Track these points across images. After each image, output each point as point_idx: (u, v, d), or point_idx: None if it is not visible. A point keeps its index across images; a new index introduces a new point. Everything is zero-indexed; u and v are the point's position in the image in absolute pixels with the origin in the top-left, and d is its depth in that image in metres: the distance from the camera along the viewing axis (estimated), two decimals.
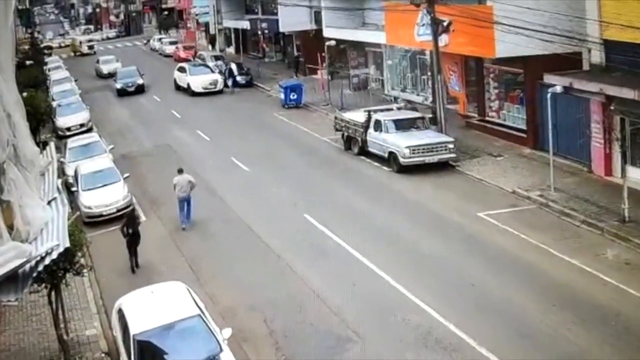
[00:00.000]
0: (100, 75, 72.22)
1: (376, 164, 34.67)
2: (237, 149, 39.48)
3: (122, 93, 60.23)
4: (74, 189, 31.66)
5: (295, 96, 50.03)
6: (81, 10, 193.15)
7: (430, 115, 36.18)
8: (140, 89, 60.60)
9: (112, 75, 67.97)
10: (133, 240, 25.43)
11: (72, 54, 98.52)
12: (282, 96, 50.53)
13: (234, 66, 60.87)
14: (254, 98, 55.34)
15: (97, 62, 76.20)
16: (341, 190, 31.57)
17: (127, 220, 25.92)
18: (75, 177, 32.27)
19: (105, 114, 53.07)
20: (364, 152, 35.97)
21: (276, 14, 63.01)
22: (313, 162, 36.44)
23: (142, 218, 29.33)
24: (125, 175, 32.46)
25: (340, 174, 34.05)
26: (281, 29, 63.28)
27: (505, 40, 31.35)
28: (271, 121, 46.76)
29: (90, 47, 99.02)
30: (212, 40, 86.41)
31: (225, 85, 58.41)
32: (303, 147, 39.43)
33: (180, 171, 29.41)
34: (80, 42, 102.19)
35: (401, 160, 32.84)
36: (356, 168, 34.83)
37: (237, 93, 57.13)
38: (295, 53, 66.50)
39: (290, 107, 49.70)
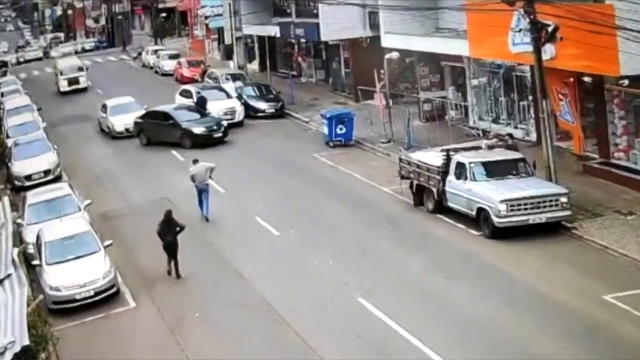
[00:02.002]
0: (112, 135, 58.30)
1: (460, 225, 34.55)
2: (263, 204, 39.57)
3: (204, 142, 52.35)
4: (35, 262, 31.78)
5: (344, 130, 50.16)
6: (47, 13, 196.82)
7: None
8: (225, 133, 53.98)
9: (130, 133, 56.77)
10: (170, 249, 31.53)
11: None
12: (326, 130, 50.81)
13: (208, 91, 60.49)
14: (287, 132, 55.82)
15: (103, 108, 60.51)
16: (410, 264, 31.47)
17: (163, 225, 31.74)
18: (38, 245, 32.35)
19: (80, 156, 53.72)
20: (441, 208, 35.88)
21: (316, 16, 63.07)
22: (370, 222, 36.40)
23: (131, 303, 29.37)
24: (107, 242, 32.57)
25: (409, 240, 33.99)
26: (323, 37, 63.33)
27: (633, 51, 31.20)
28: (310, 165, 47.06)
29: (74, 82, 79.70)
30: (227, 53, 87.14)
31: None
32: (355, 202, 39.47)
33: (195, 161, 37.87)
34: (61, 72, 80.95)
35: (495, 220, 32.63)
36: (431, 231, 34.77)
37: (263, 125, 57.31)
38: (344, 70, 66.67)
39: (336, 144, 49.99)
